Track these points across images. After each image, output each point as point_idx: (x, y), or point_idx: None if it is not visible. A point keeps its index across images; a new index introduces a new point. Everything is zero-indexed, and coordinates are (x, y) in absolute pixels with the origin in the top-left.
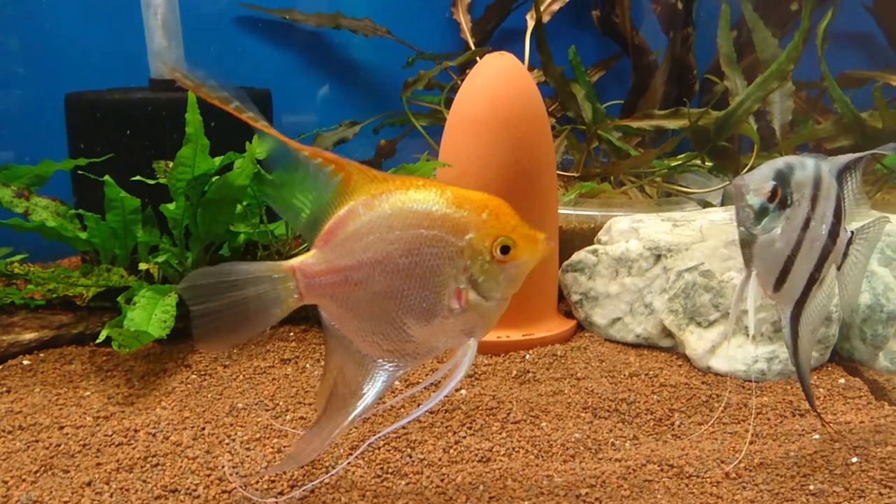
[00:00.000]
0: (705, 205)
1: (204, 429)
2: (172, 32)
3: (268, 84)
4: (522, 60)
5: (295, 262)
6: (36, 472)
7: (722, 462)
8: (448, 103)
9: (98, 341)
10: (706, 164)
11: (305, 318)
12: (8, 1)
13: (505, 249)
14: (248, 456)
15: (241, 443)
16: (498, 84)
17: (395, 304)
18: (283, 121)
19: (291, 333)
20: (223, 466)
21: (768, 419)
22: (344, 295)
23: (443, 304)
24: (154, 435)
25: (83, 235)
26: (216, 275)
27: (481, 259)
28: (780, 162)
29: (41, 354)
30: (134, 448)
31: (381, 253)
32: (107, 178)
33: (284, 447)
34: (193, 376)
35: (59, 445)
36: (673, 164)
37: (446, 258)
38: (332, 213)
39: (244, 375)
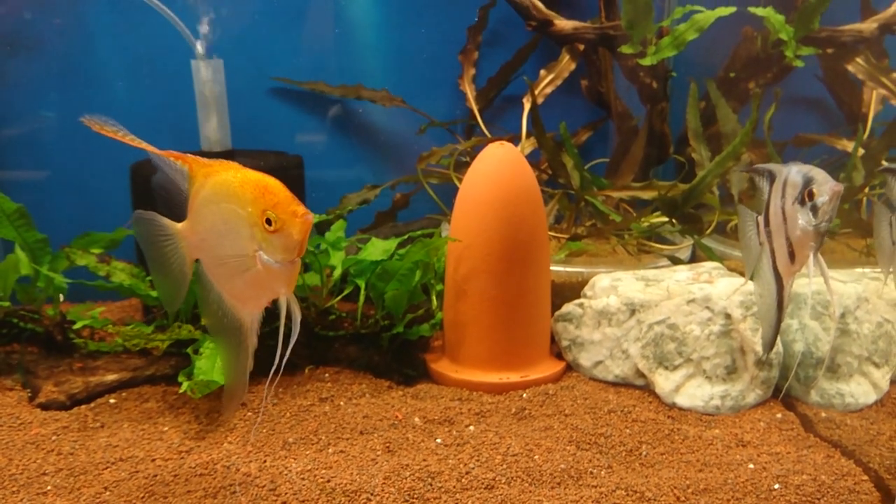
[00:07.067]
0: (675, 260)
1: (265, 461)
2: (220, 106)
3: (299, 150)
4: (519, 129)
5: (179, 226)
6: (142, 497)
7: (675, 488)
8: (457, 166)
9: (181, 391)
10: (676, 226)
11: (337, 359)
12: (74, 79)
13: (269, 221)
14: (303, 485)
15: (297, 473)
16: (499, 170)
17: (227, 260)
18: (313, 183)
19: (326, 374)
20: (286, 493)
21: (717, 449)
22: (205, 252)
23: (250, 263)
24: (228, 467)
25: (153, 294)
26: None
27: (259, 228)
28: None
29: (123, 393)
30: (214, 478)
31: (212, 221)
32: None
33: (332, 478)
34: (249, 413)
35: (156, 476)
36: (644, 224)
37: (241, 227)
38: (191, 191)
39: (290, 413)
